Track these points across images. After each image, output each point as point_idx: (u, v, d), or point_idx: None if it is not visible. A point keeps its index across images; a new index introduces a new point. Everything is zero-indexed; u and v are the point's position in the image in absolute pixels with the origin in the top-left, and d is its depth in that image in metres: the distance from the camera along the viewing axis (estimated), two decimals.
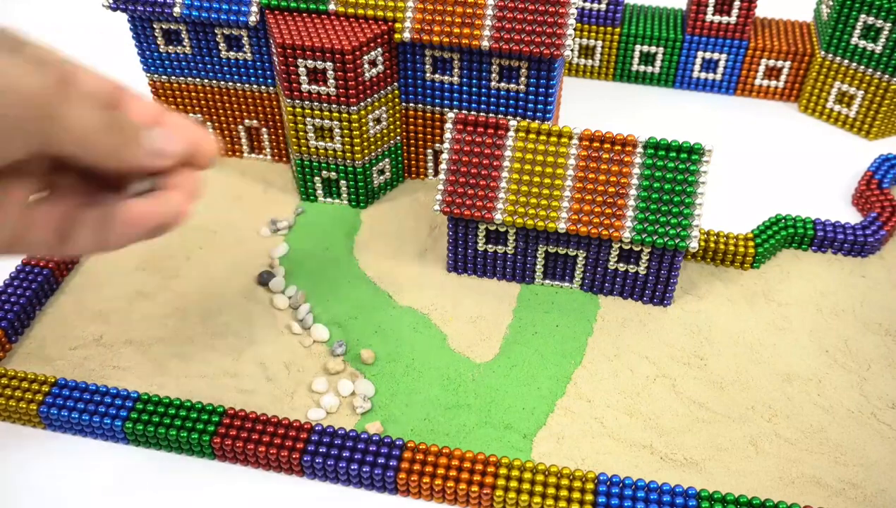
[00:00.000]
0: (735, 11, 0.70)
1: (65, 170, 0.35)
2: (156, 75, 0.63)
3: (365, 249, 0.58)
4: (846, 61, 0.68)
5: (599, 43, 0.75)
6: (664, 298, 0.53)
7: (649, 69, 0.76)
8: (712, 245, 0.56)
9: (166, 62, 0.62)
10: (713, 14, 0.71)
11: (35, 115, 0.31)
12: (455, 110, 0.57)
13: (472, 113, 0.53)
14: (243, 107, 0.64)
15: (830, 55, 0.69)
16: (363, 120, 0.57)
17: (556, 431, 0.46)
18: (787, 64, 0.72)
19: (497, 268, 0.55)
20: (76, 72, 0.32)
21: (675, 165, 0.49)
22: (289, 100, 0.57)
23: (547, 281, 0.55)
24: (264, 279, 0.55)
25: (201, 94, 0.64)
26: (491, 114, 0.57)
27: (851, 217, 0.62)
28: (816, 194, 0.64)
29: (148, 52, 0.62)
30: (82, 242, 0.36)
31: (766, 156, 0.68)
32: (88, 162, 0.33)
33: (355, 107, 0.56)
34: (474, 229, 0.53)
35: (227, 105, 0.64)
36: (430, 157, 0.63)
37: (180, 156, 0.36)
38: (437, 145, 0.62)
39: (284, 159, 0.67)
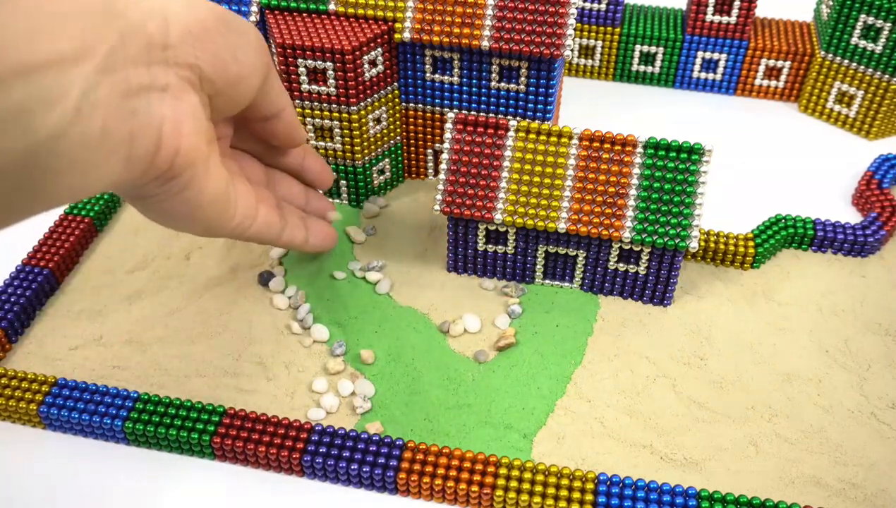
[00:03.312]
0: (735, 11, 0.70)
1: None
2: None
3: (365, 249, 0.58)
4: (846, 61, 0.68)
5: (599, 43, 0.75)
6: (664, 298, 0.53)
7: (649, 69, 0.76)
8: (712, 245, 0.56)
9: None
10: (713, 14, 0.71)
11: (263, 62, 0.41)
12: (455, 110, 0.57)
13: (472, 113, 0.53)
14: None
15: (830, 55, 0.69)
16: (363, 120, 0.57)
17: (556, 431, 0.46)
18: (787, 64, 0.72)
19: (497, 268, 0.55)
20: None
21: (675, 165, 0.49)
22: None
23: (547, 281, 0.55)
24: (264, 279, 0.55)
25: None
26: (491, 114, 0.57)
27: (851, 217, 0.62)
28: (816, 194, 0.64)
29: None
30: (296, 234, 0.50)
31: (766, 156, 0.68)
32: (272, 131, 0.46)
33: (355, 107, 0.56)
34: (474, 229, 0.53)
35: None
36: (430, 157, 0.63)
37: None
38: (437, 145, 0.62)
39: None
